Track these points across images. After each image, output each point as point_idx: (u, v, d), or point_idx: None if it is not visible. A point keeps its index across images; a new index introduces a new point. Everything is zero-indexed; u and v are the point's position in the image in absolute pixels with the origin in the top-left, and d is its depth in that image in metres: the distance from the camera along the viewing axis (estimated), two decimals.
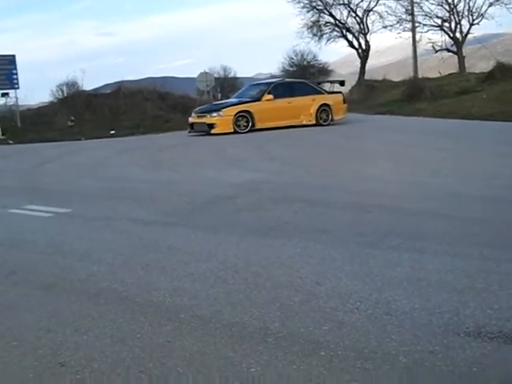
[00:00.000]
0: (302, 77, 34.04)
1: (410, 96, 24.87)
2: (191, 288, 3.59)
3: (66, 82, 23.72)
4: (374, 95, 30.35)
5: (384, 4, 36.99)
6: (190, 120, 17.22)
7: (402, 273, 3.63)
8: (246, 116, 16.39)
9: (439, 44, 36.59)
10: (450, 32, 36.41)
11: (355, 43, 37.47)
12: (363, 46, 37.27)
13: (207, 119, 16.51)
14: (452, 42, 36.43)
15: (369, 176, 7.89)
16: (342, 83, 20.33)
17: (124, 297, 3.51)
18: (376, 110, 23.70)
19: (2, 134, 19.99)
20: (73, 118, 21.30)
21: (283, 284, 3.56)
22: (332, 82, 20.35)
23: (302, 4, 36.49)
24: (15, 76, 21.11)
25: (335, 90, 19.34)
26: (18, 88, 21.29)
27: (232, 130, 16.09)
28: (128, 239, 5.01)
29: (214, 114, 16.45)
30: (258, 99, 16.92)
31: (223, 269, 3.93)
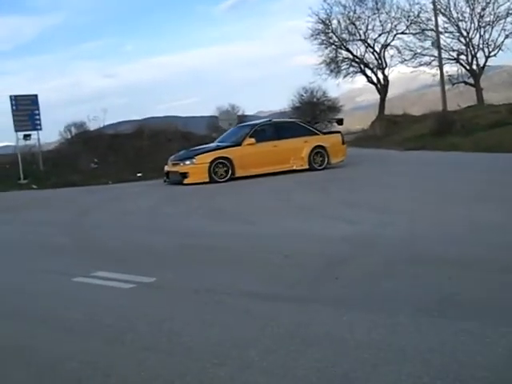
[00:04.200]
0: (312, 114, 33.16)
1: (440, 130, 24.10)
2: None
3: (74, 123, 23.23)
4: (396, 130, 29.58)
5: (400, 39, 36.34)
6: (166, 168, 15.56)
7: None
8: (225, 163, 14.75)
9: (455, 76, 36.17)
10: (466, 65, 36.04)
11: (374, 78, 37.11)
12: (382, 81, 36.81)
13: (180, 167, 14.89)
14: (468, 75, 36.02)
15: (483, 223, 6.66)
16: (339, 122, 19.06)
17: None
18: (406, 146, 22.88)
19: (24, 179, 18.70)
20: (96, 160, 20.30)
21: None
22: (329, 120, 19.23)
23: (319, 41, 36.29)
24: (37, 117, 19.90)
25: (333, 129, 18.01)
26: (40, 129, 20.04)
27: (207, 180, 14.47)
28: (255, 325, 3.89)
29: (187, 162, 14.84)
30: (239, 144, 15.33)
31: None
